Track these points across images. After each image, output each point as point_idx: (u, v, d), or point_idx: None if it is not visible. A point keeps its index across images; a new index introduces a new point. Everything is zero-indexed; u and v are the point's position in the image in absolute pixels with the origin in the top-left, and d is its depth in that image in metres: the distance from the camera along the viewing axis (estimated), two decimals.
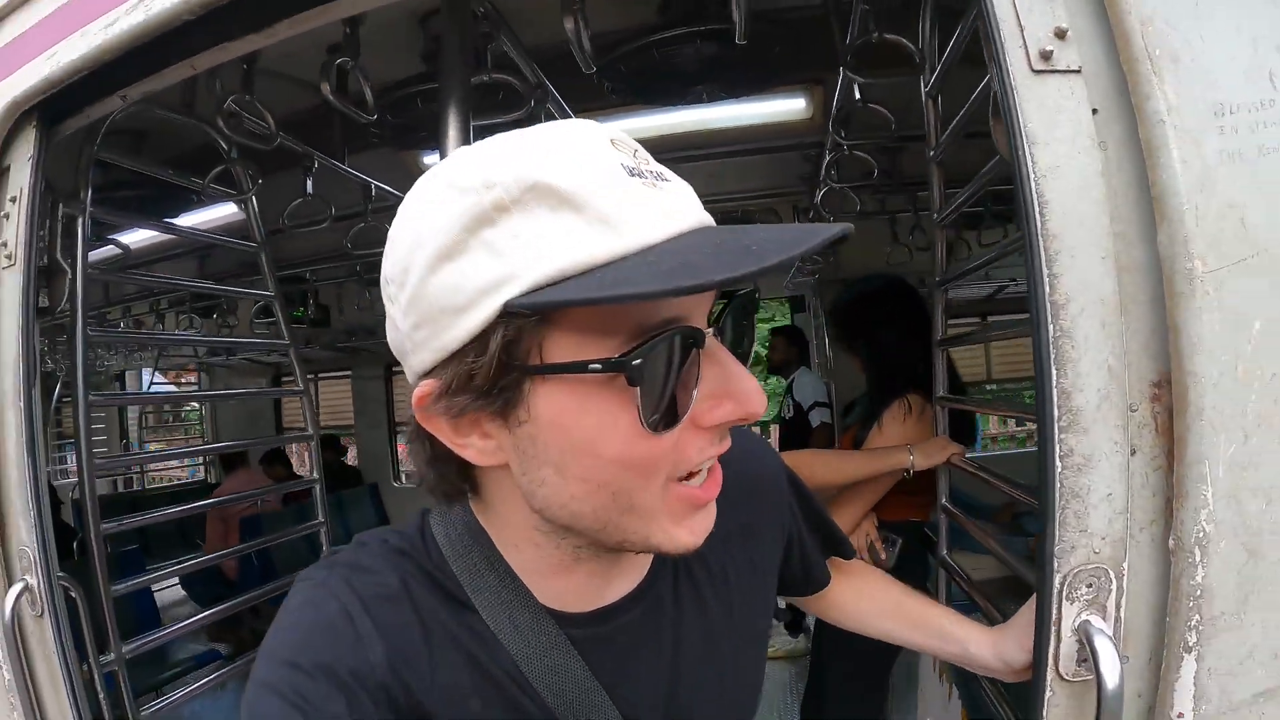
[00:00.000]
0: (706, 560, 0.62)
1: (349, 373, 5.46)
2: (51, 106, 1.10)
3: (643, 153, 0.45)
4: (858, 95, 1.69)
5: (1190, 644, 0.60)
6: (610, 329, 0.42)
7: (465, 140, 1.19)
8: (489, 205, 0.41)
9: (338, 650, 0.47)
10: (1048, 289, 0.63)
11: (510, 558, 0.53)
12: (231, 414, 5.76)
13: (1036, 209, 0.63)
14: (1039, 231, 0.63)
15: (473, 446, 0.47)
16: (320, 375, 5.50)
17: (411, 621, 0.50)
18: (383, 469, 5.29)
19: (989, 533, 1.19)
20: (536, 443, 0.45)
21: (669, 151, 2.21)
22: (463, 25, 1.25)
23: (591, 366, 0.42)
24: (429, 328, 0.44)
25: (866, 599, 0.86)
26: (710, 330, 0.46)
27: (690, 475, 0.47)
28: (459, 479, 0.52)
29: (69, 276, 1.37)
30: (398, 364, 0.49)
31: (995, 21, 0.65)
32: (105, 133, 1.38)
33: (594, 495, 0.45)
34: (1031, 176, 0.64)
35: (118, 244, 2.34)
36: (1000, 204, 2.54)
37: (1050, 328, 0.64)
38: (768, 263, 0.38)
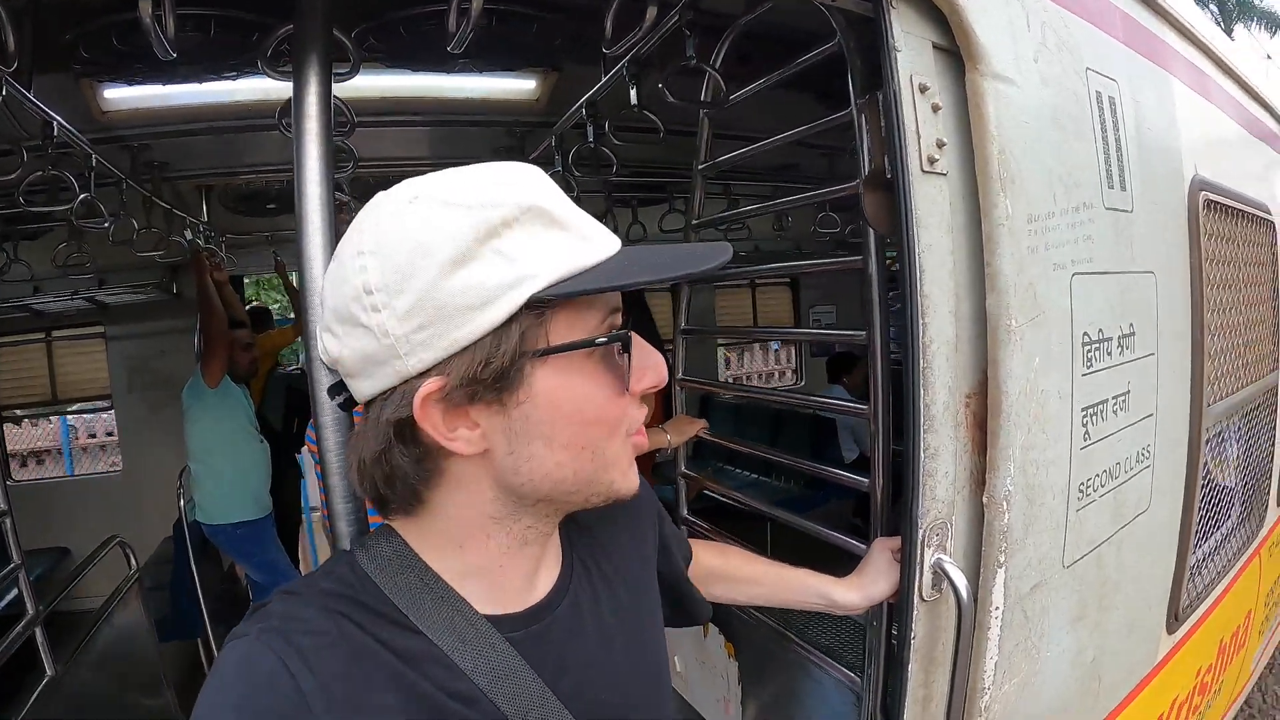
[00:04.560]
0: (609, 556, 0.69)
1: None
2: None
3: None
4: (634, 99, 1.70)
5: (1001, 562, 0.94)
6: (590, 315, 0.53)
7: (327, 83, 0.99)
8: (497, 221, 0.49)
9: (282, 709, 0.47)
10: (921, 334, 0.89)
11: (448, 563, 0.56)
12: None
13: (918, 276, 0.88)
14: (919, 293, 0.88)
15: (461, 437, 0.52)
16: None
17: (353, 667, 0.50)
18: None
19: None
20: (530, 420, 0.52)
21: (393, 114, 2.22)
22: None
23: (598, 341, 0.52)
24: (438, 326, 0.49)
25: (734, 571, 0.97)
26: None
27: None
28: (415, 491, 0.55)
29: None
30: None
31: (903, 129, 0.87)
32: None
33: (577, 457, 0.54)
34: (916, 250, 0.88)
35: None
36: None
37: (921, 361, 0.90)
38: (699, 268, 0.54)
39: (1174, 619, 1.45)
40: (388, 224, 0.50)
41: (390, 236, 0.49)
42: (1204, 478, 1.48)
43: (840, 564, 1.03)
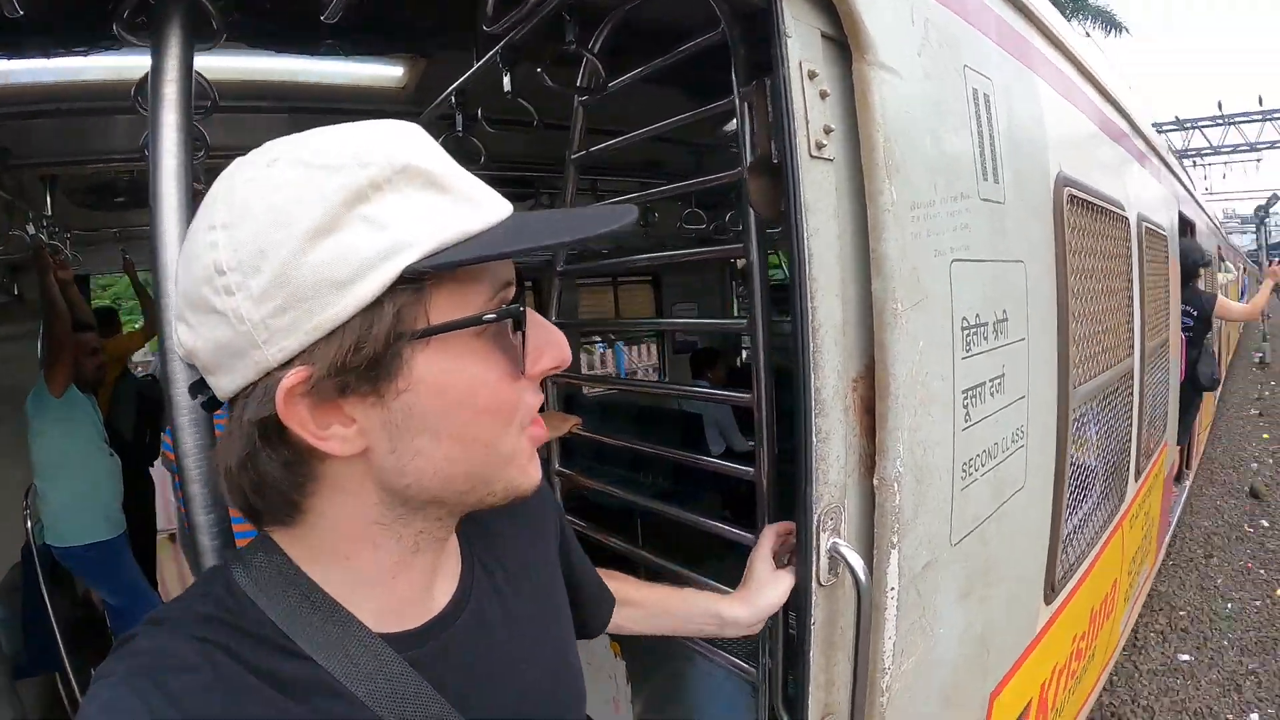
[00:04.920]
0: (512, 555, 0.65)
1: None
2: None
3: None
4: (508, 85, 1.61)
5: (894, 543, 0.95)
6: (478, 289, 0.47)
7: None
8: (365, 183, 0.43)
9: None
10: (810, 318, 0.89)
11: (335, 576, 0.51)
12: None
13: (807, 260, 0.88)
14: (808, 276, 0.88)
15: (335, 436, 0.46)
16: None
17: (229, 709, 0.45)
18: None
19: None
20: (414, 411, 0.46)
21: (250, 98, 2.07)
22: None
23: (486, 317, 0.47)
24: (301, 308, 0.43)
25: (621, 596, 0.90)
26: None
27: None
28: (289, 499, 0.49)
29: None
30: None
31: (792, 114, 0.86)
32: None
33: (468, 451, 0.49)
34: (804, 235, 0.88)
35: None
36: None
37: (810, 345, 0.90)
38: (604, 229, 0.47)
39: (1050, 590, 1.54)
40: (243, 192, 0.43)
41: (245, 207, 0.43)
42: (1072, 456, 1.58)
43: (715, 557, 1.01)
